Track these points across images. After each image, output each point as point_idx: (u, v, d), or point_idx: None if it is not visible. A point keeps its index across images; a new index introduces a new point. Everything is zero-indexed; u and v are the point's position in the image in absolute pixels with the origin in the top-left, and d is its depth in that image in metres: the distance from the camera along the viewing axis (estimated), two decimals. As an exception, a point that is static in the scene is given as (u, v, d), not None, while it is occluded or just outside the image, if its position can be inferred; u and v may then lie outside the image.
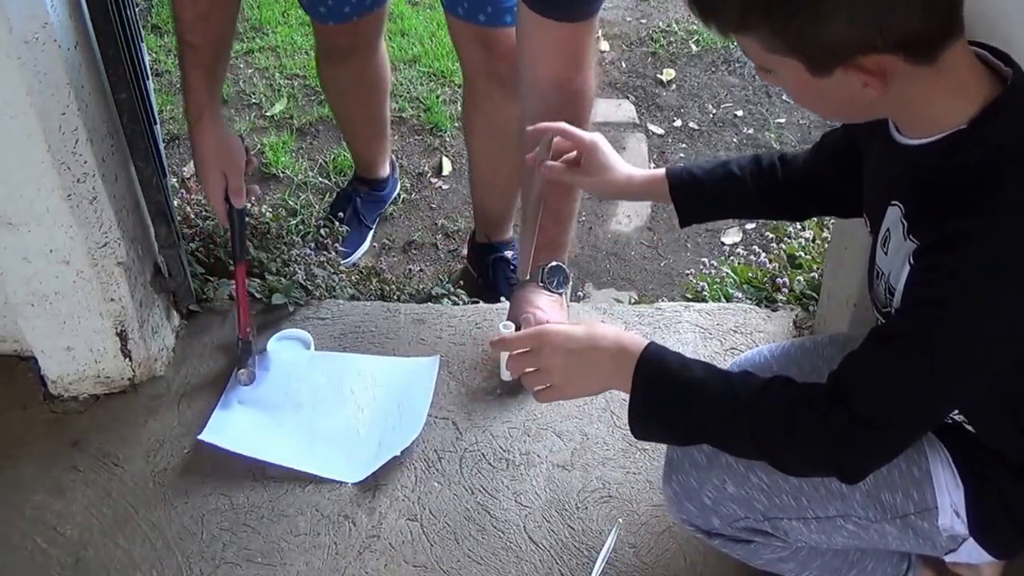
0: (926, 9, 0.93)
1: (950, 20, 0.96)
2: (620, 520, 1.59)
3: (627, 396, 1.16)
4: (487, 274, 2.29)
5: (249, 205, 2.20)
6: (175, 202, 1.85)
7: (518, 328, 1.73)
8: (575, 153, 1.46)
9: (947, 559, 1.26)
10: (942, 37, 0.96)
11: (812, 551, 1.31)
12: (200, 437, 1.72)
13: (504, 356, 1.74)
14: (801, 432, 1.08)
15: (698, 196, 1.38)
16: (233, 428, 1.75)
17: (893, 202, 1.10)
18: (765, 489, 1.21)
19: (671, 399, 1.15)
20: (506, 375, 1.81)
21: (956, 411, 1.20)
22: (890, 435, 1.06)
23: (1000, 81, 1.02)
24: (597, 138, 1.44)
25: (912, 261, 1.03)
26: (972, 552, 1.22)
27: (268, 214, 2.22)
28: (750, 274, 2.15)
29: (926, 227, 1.02)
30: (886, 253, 1.12)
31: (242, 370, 1.80)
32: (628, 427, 1.17)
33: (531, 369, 1.22)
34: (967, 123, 1.00)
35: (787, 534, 1.25)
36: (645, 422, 1.16)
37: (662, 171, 1.40)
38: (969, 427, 1.20)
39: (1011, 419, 1.15)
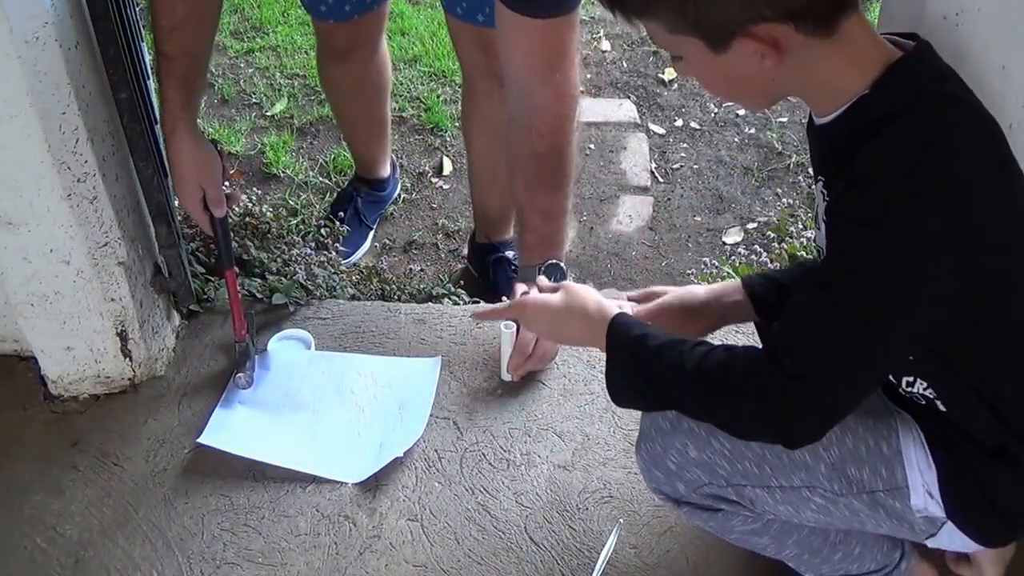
0: None
1: None
2: (621, 520, 1.59)
3: None
4: (487, 274, 2.29)
5: (249, 205, 2.20)
6: (175, 202, 1.85)
7: (519, 329, 1.74)
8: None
9: (929, 544, 1.25)
10: (834, 10, 1.00)
11: (785, 526, 1.31)
12: (199, 440, 1.71)
13: (505, 356, 1.75)
14: (740, 394, 1.10)
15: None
16: (233, 430, 1.74)
17: (818, 179, 1.14)
18: (727, 455, 1.22)
19: (634, 364, 1.19)
20: (506, 375, 1.82)
21: (925, 388, 1.19)
22: (820, 390, 1.06)
23: (901, 52, 1.06)
24: (671, 294, 1.45)
25: (824, 218, 1.08)
26: (954, 538, 1.21)
27: (268, 214, 2.22)
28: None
29: (834, 185, 1.07)
30: (819, 229, 1.15)
31: (240, 374, 1.80)
32: (607, 392, 1.22)
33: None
34: (868, 87, 1.04)
35: (753, 503, 1.25)
36: (613, 384, 1.21)
37: (738, 284, 1.40)
38: (942, 407, 1.20)
39: (979, 399, 1.15)
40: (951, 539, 1.22)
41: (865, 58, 1.04)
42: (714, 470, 1.24)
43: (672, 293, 1.45)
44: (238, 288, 1.85)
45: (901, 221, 0.99)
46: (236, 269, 1.86)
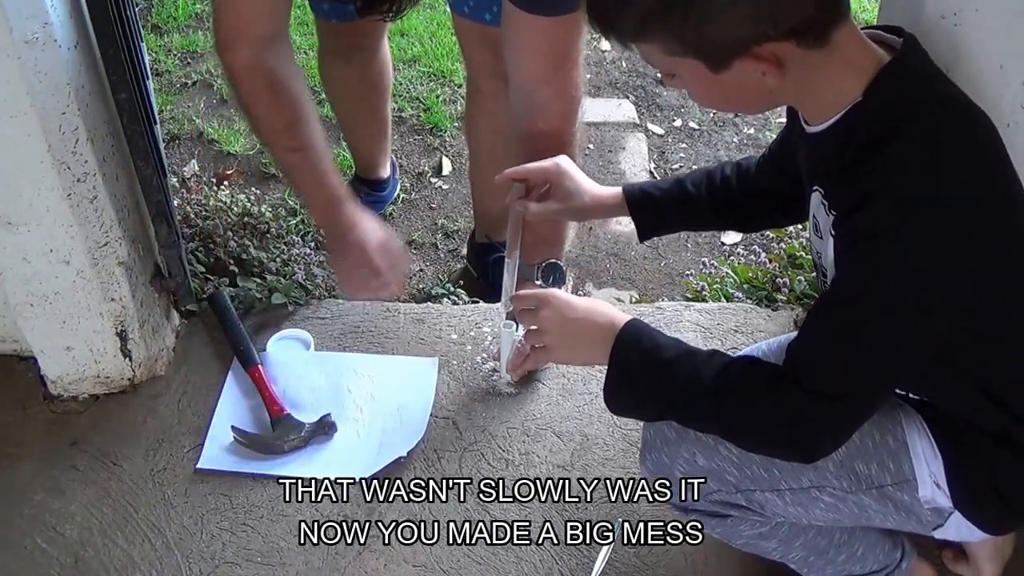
0: None
1: (836, 4, 1.01)
2: (621, 520, 1.59)
3: None
4: (487, 274, 2.29)
5: (248, 205, 2.20)
6: (175, 202, 1.85)
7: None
8: (547, 186, 1.52)
9: (936, 535, 1.26)
10: (830, 22, 1.01)
11: (793, 528, 1.31)
12: (198, 467, 1.68)
13: (504, 356, 1.75)
14: (759, 410, 1.10)
15: (655, 211, 1.47)
16: (229, 449, 1.72)
17: (814, 188, 1.15)
18: (735, 461, 1.22)
19: (641, 378, 1.18)
20: (506, 375, 1.82)
21: (920, 395, 1.20)
22: (842, 406, 1.07)
23: (892, 53, 1.07)
24: (560, 160, 1.51)
25: (833, 232, 1.07)
26: (961, 527, 1.22)
27: (267, 214, 2.22)
28: (750, 274, 2.15)
29: (840, 197, 1.07)
30: (820, 237, 1.15)
31: (286, 442, 1.72)
32: (603, 401, 1.21)
33: (531, 327, 1.29)
34: (862, 94, 1.04)
35: (763, 507, 1.26)
36: (616, 397, 1.20)
37: (619, 190, 1.49)
38: (937, 404, 1.20)
39: (975, 388, 1.15)
40: (958, 529, 1.22)
41: (857, 64, 1.05)
42: (723, 477, 1.24)
43: (559, 201, 1.51)
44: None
45: (914, 230, 0.99)
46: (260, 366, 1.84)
